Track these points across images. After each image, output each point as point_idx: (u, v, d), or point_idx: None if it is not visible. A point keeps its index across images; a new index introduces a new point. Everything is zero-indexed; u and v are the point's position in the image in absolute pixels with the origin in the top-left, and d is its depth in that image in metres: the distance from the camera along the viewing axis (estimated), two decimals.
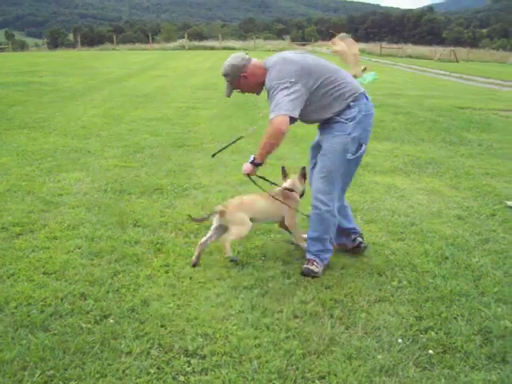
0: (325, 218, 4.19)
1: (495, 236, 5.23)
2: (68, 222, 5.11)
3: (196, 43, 59.74)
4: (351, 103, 4.05)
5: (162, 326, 3.37)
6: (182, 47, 55.25)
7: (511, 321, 3.55)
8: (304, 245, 4.49)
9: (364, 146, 4.16)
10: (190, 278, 4.05)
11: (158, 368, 2.97)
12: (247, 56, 4.27)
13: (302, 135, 8.94)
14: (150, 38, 63.84)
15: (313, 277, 4.12)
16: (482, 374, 3.01)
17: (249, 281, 4.01)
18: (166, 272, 4.15)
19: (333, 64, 4.21)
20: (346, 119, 4.05)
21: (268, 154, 4.08)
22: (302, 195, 4.74)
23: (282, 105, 3.87)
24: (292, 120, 3.98)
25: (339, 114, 4.07)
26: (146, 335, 3.26)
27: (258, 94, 4.38)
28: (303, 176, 4.71)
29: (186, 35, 62.51)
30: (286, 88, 3.91)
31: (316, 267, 4.17)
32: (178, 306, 3.64)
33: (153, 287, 3.88)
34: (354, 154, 4.11)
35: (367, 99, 4.17)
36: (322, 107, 4.08)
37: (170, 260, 4.35)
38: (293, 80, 3.93)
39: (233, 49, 55.47)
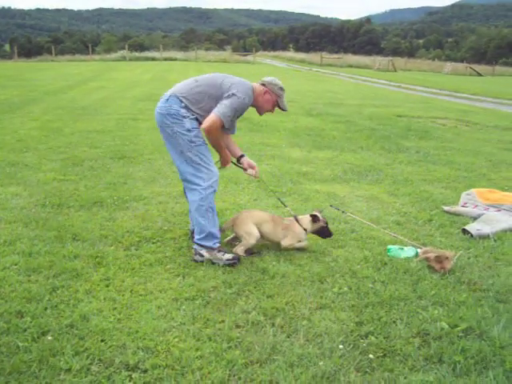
0: None
1: (433, 240, 5.37)
2: (4, 237, 4.96)
3: (137, 54, 59.26)
4: None
5: (102, 341, 3.30)
6: (123, 58, 54.71)
7: (448, 322, 3.64)
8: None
9: None
10: (131, 291, 3.99)
11: None
12: None
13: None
14: (90, 48, 62.91)
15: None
16: (420, 375, 3.08)
17: (190, 292, 3.98)
18: (107, 286, 4.08)
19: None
20: None
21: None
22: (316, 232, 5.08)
23: None
24: None
25: None
26: (85, 351, 3.19)
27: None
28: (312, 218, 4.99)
29: (126, 46, 62.01)
30: None
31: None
32: (118, 319, 3.58)
33: (93, 302, 3.81)
34: None
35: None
36: None
37: (111, 273, 4.28)
38: None
39: (174, 59, 55.41)
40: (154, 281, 4.19)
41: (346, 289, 4.14)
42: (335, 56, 71.67)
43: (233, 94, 4.44)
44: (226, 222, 5.09)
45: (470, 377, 3.06)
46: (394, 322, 3.67)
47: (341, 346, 3.34)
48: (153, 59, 55.36)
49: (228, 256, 4.56)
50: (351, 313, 3.78)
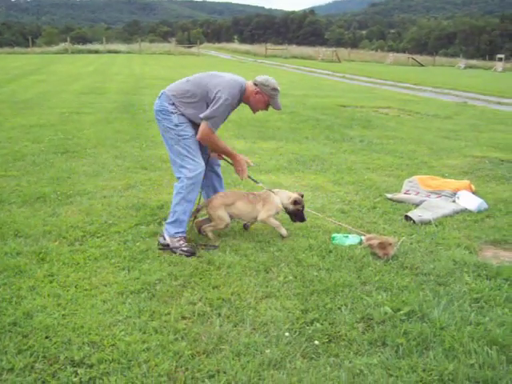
0: None
1: (376, 227, 5.47)
2: None
3: (79, 47, 58.13)
4: None
5: (46, 338, 3.26)
6: (65, 51, 53.57)
7: (391, 306, 3.73)
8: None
9: None
10: (76, 287, 3.94)
11: (43, 382, 2.87)
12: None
13: None
14: (31, 41, 61.34)
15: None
16: (365, 358, 3.15)
17: (135, 285, 3.96)
18: (51, 282, 4.01)
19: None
20: None
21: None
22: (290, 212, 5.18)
23: None
24: None
25: None
26: (29, 349, 3.14)
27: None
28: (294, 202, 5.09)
29: (68, 38, 60.64)
30: None
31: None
32: (63, 315, 3.53)
33: (36, 298, 3.74)
34: None
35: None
36: None
37: (55, 269, 4.21)
38: None
39: (118, 52, 54.60)
40: (99, 275, 4.15)
41: (291, 277, 4.19)
42: (280, 47, 71.91)
43: (217, 98, 4.59)
44: (202, 203, 5.18)
45: (411, 358, 3.15)
46: (339, 308, 3.74)
47: (287, 334, 3.38)
48: (96, 52, 54.48)
49: (185, 248, 4.65)
50: (297, 301, 3.83)
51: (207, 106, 4.65)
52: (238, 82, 4.76)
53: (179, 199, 4.71)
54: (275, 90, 4.78)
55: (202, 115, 4.62)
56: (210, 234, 5.01)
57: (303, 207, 5.15)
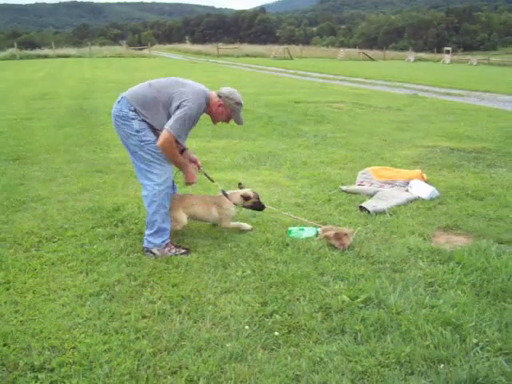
0: None
1: (332, 219, 5.55)
2: None
3: (28, 52, 56.91)
4: None
5: (4, 345, 3.22)
6: (13, 56, 52.42)
7: (348, 295, 3.81)
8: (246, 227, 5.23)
9: None
10: (33, 292, 3.90)
11: None
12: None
13: None
14: None
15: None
16: (325, 346, 3.22)
17: (94, 287, 3.95)
18: (7, 289, 3.96)
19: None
20: None
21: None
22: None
23: None
24: None
25: None
26: None
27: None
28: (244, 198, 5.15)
29: (15, 44, 59.35)
30: None
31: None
32: (21, 322, 3.50)
33: None
34: None
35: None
36: None
37: (11, 276, 4.16)
38: None
39: (68, 56, 53.79)
40: (57, 279, 4.12)
41: (249, 272, 4.23)
42: (231, 46, 71.93)
43: (182, 105, 4.43)
44: None
45: (370, 343, 3.23)
46: (298, 299, 3.80)
47: (247, 327, 3.42)
48: (45, 57, 53.56)
49: (181, 251, 4.66)
50: (255, 294, 3.87)
51: (169, 115, 4.49)
52: (203, 91, 4.63)
53: (155, 207, 4.55)
54: (239, 104, 4.74)
55: (166, 125, 4.43)
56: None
57: (257, 198, 5.19)
